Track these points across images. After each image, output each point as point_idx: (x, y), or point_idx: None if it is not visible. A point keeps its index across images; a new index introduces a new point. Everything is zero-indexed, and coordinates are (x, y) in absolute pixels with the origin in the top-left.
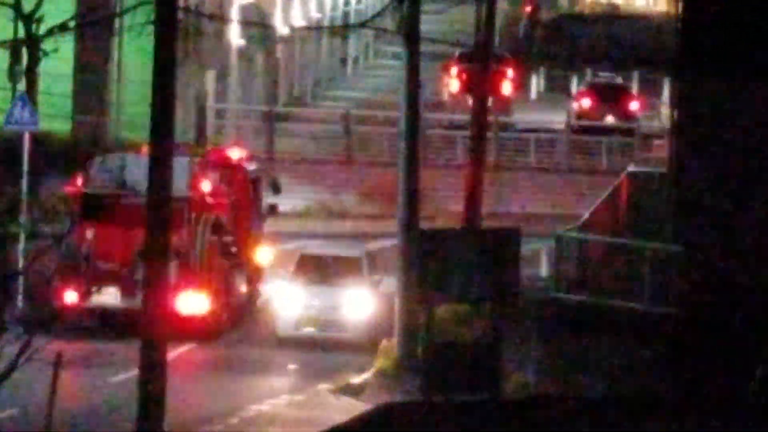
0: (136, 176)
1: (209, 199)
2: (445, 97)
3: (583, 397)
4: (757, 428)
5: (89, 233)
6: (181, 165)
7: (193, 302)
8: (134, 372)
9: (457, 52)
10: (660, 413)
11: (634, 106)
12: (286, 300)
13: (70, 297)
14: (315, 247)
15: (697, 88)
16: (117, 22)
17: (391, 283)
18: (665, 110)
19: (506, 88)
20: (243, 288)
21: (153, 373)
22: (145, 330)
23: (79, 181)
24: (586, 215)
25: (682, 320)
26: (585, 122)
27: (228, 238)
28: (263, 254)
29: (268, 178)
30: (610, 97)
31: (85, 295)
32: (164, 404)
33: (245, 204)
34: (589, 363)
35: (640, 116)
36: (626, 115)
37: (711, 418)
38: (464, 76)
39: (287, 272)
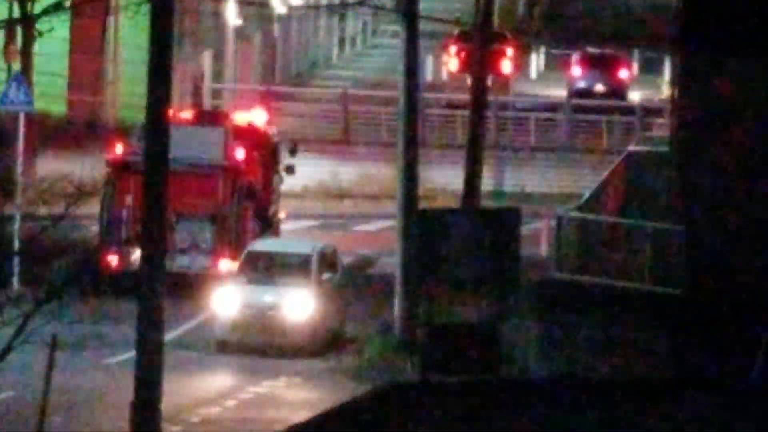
0: (173, 144)
1: (243, 166)
2: (444, 76)
3: (584, 379)
4: (760, 409)
5: (128, 199)
6: (216, 134)
7: (230, 266)
8: (130, 354)
9: (456, 30)
10: (663, 395)
11: (624, 74)
12: (226, 299)
13: (113, 260)
14: (264, 243)
15: (698, 66)
16: (113, 1)
17: (384, 264)
18: (666, 88)
19: (506, 67)
20: None
21: (150, 353)
22: (143, 310)
23: (119, 149)
24: (587, 195)
25: (684, 300)
26: (579, 89)
27: (258, 202)
28: (281, 214)
29: (286, 141)
30: (600, 65)
31: (125, 258)
32: (161, 385)
33: (269, 166)
34: (590, 344)
35: (629, 83)
36: (616, 83)
37: (712, 399)
38: (463, 55)
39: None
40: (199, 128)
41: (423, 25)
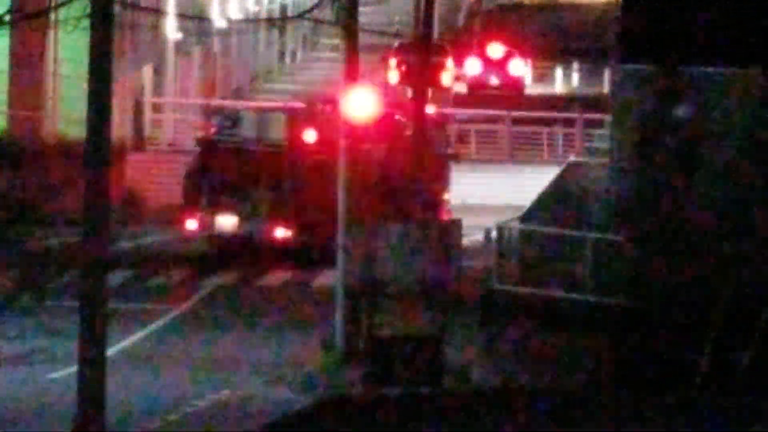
0: (248, 127)
1: (306, 146)
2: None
3: (524, 389)
4: (703, 416)
5: (211, 172)
6: (278, 119)
7: (281, 231)
8: (74, 368)
9: (396, 43)
10: (602, 404)
11: (519, 70)
12: None
13: (192, 224)
14: None
15: (637, 77)
16: (52, 16)
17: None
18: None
19: (446, 79)
20: None
21: (92, 367)
22: (84, 323)
23: (205, 130)
24: (528, 206)
25: (625, 311)
26: (477, 84)
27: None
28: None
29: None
30: (497, 62)
31: (205, 223)
32: (104, 399)
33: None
34: (532, 355)
35: (525, 81)
36: (512, 79)
37: (652, 409)
38: (403, 67)
39: None
40: (269, 113)
41: (363, 38)
